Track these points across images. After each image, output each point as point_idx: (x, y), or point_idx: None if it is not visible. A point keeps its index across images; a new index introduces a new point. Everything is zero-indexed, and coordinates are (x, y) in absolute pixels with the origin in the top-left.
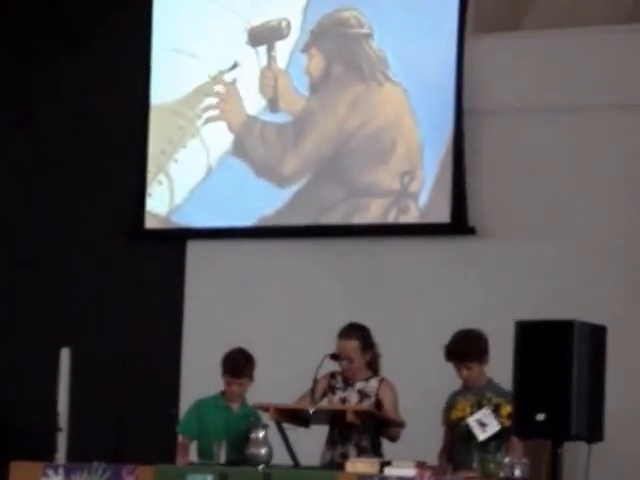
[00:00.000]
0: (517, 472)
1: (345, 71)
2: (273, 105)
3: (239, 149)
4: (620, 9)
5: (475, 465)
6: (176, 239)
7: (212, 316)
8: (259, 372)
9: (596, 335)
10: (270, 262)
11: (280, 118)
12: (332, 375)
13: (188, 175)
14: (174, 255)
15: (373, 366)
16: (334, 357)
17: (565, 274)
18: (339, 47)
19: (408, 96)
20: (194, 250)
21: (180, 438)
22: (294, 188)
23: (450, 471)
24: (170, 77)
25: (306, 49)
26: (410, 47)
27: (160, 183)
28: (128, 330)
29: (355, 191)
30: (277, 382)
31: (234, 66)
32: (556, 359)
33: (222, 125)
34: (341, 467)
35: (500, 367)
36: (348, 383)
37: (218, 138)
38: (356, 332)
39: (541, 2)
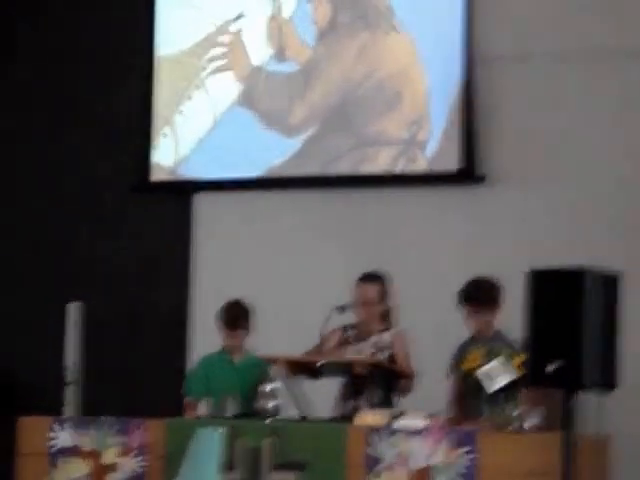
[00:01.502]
0: (527, 423)
1: (352, 20)
2: (280, 55)
3: (246, 99)
4: None
5: (486, 416)
6: (183, 191)
7: (219, 269)
8: (267, 325)
9: (609, 283)
10: (278, 213)
11: (287, 68)
12: (344, 328)
13: (194, 127)
14: (181, 207)
15: (386, 319)
16: (341, 309)
17: (578, 223)
18: None
19: (415, 45)
20: (201, 202)
21: (188, 399)
22: (302, 138)
23: (462, 421)
24: (175, 28)
25: None
26: None
27: (165, 135)
28: (135, 284)
29: (363, 140)
30: (285, 335)
31: (239, 16)
32: (568, 307)
33: (228, 75)
34: (351, 420)
35: (511, 316)
36: (362, 337)
37: (224, 89)
38: (378, 277)
39: None
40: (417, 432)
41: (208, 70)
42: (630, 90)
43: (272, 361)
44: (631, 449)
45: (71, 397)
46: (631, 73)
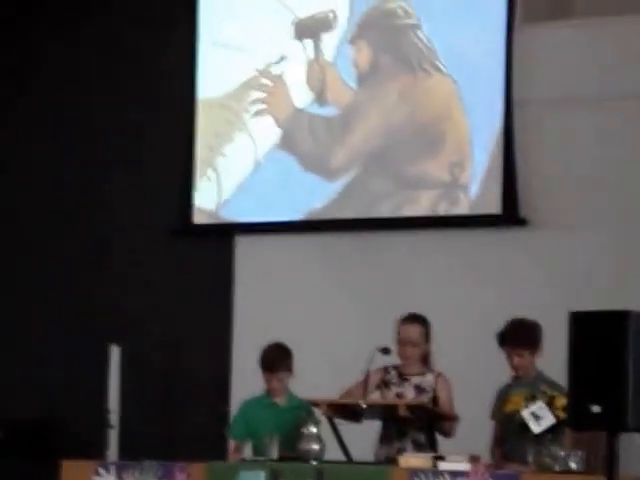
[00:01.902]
0: (572, 465)
1: (393, 62)
2: (321, 98)
3: (287, 142)
4: None
5: (530, 459)
6: (224, 234)
7: (261, 311)
8: (306, 366)
9: None
10: (319, 256)
11: (328, 111)
12: (385, 369)
13: (236, 169)
14: (222, 250)
15: (426, 361)
16: (384, 351)
17: (618, 265)
18: (386, 38)
19: (457, 87)
20: (242, 245)
21: (231, 442)
22: (343, 181)
23: (504, 465)
24: (217, 72)
25: (353, 41)
26: (458, 37)
27: (208, 178)
28: (178, 326)
29: (404, 183)
30: (325, 377)
31: (281, 59)
32: (611, 350)
33: (270, 119)
34: (395, 462)
35: (554, 359)
36: (403, 378)
37: (266, 132)
38: (420, 319)
39: None
40: (461, 474)
41: (250, 113)
42: None
43: (315, 404)
44: None
45: (113, 440)
46: None
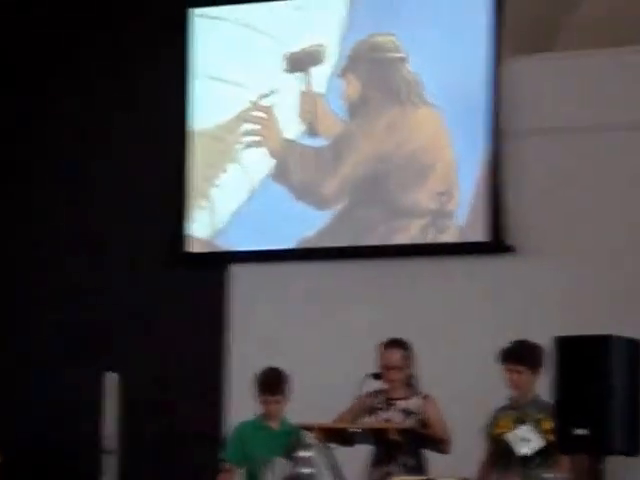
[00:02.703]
0: None
1: (382, 95)
2: (312, 129)
3: (279, 173)
4: None
5: None
6: (219, 262)
7: (255, 339)
8: (300, 392)
9: (634, 350)
10: (311, 284)
11: (318, 142)
12: (374, 394)
13: (229, 199)
14: (217, 278)
15: (411, 384)
16: (375, 376)
17: (603, 291)
18: (375, 71)
19: (443, 117)
20: (237, 273)
21: (226, 465)
22: (334, 210)
23: None
24: (210, 104)
25: (343, 74)
26: (445, 70)
27: (202, 208)
28: (172, 353)
29: (394, 212)
30: (318, 402)
31: (273, 92)
32: (595, 374)
33: (262, 150)
34: None
35: (540, 383)
36: (390, 402)
37: (258, 162)
38: (401, 343)
39: (574, 23)
40: None
41: (242, 144)
42: None
43: (307, 428)
44: None
45: (109, 466)
46: None
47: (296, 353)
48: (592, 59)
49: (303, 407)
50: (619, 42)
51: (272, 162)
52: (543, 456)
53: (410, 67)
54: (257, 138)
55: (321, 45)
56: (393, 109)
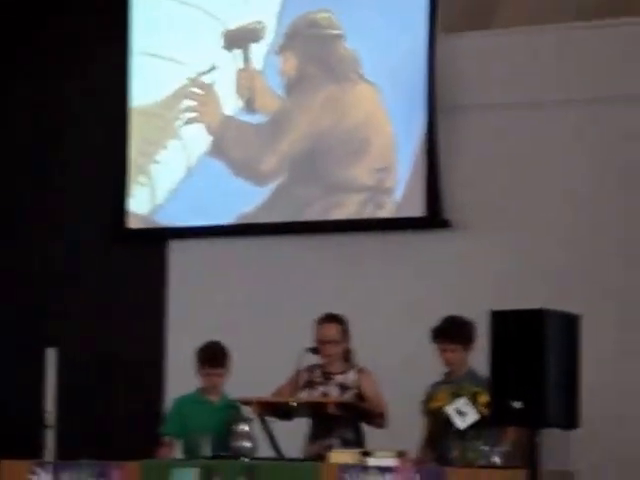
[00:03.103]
0: (495, 459)
1: (319, 71)
2: (250, 106)
3: (218, 149)
4: (587, 5)
5: (454, 453)
6: (158, 238)
7: (194, 314)
8: (240, 367)
9: (569, 323)
10: (250, 259)
11: (257, 118)
12: (310, 369)
13: (169, 175)
14: (156, 254)
15: (348, 359)
16: (313, 350)
17: (539, 266)
18: (312, 48)
19: (381, 94)
20: (176, 249)
21: (165, 439)
22: (272, 186)
23: (431, 460)
24: (149, 80)
25: (280, 51)
26: (382, 47)
27: (142, 184)
28: (112, 329)
29: (332, 188)
30: (257, 377)
31: (211, 69)
32: (530, 347)
33: (201, 126)
34: (324, 459)
35: (476, 357)
36: (327, 377)
37: (197, 139)
38: (336, 318)
39: (509, 0)
40: (388, 469)
41: (182, 121)
42: (586, 139)
43: (246, 402)
44: None
45: (50, 440)
46: (588, 121)
47: (235, 327)
48: (527, 36)
49: (242, 382)
50: (554, 19)
51: (210, 138)
52: (480, 429)
53: (347, 44)
54: (196, 114)
55: (259, 22)
56: (330, 86)
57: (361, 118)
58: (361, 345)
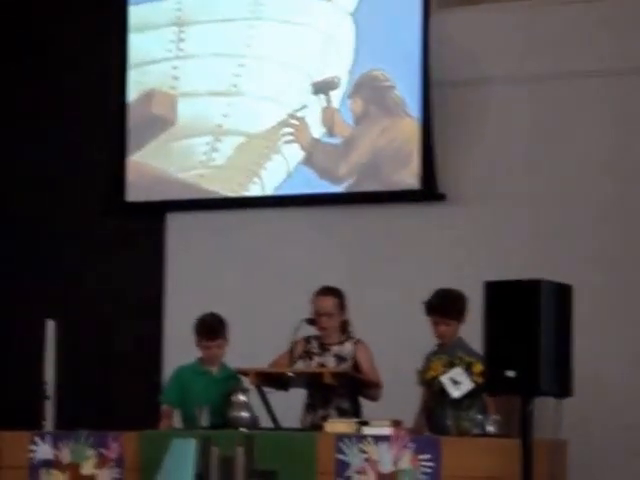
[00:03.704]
0: (489, 428)
1: (377, 110)
2: (330, 132)
3: (308, 160)
4: None
5: (449, 422)
6: (156, 211)
7: (192, 285)
8: (239, 339)
9: (562, 294)
10: (248, 232)
11: (335, 140)
12: (307, 340)
13: (275, 177)
14: (154, 227)
15: (345, 330)
16: (310, 322)
17: (532, 237)
18: (373, 94)
19: (418, 123)
20: (174, 221)
21: (164, 407)
22: (345, 185)
23: (426, 429)
24: (261, 115)
25: (351, 96)
26: (382, 29)
27: (254, 183)
28: (111, 301)
29: (386, 186)
30: (255, 348)
31: (303, 107)
32: (524, 317)
33: (297, 145)
34: (321, 428)
35: (471, 327)
36: (324, 348)
37: (294, 153)
38: (333, 290)
39: None
40: (384, 438)
41: (283, 141)
42: (580, 111)
43: (243, 373)
44: (588, 454)
45: (50, 411)
46: (583, 95)
47: (232, 300)
48: (521, 10)
49: (239, 353)
50: None
51: (303, 153)
52: (473, 398)
53: (397, 91)
54: (292, 137)
55: (336, 76)
56: (385, 119)
57: (406, 141)
58: (356, 317)
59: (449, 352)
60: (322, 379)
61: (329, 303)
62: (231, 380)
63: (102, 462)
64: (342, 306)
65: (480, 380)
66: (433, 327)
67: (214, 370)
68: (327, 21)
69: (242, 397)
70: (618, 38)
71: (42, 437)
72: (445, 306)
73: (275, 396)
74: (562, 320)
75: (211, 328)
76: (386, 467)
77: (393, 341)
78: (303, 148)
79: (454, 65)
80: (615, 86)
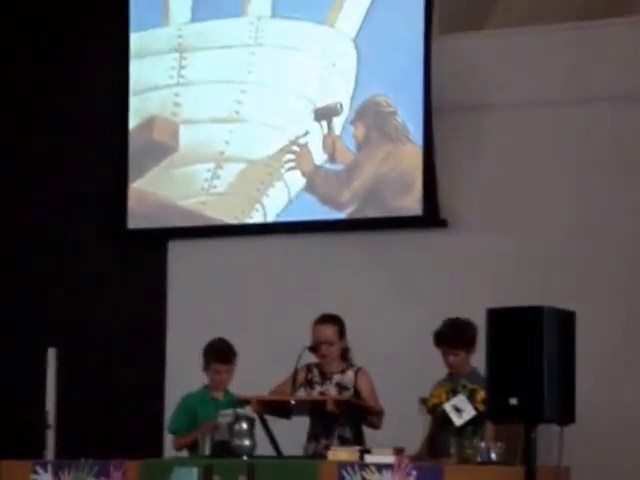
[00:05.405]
0: (493, 456)
1: (379, 136)
2: (332, 158)
3: (310, 187)
4: (582, 6)
5: (452, 450)
6: (157, 239)
7: (194, 313)
8: (240, 367)
9: (565, 320)
10: (249, 259)
11: (337, 167)
12: (309, 367)
13: (276, 204)
14: (156, 254)
15: (346, 358)
16: (311, 349)
17: (534, 264)
18: (375, 120)
19: (420, 149)
20: (175, 249)
21: (173, 438)
22: (347, 212)
23: (428, 457)
24: (262, 141)
25: (353, 122)
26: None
27: (256, 210)
28: (112, 329)
29: (387, 212)
30: (256, 375)
31: (305, 133)
32: (527, 344)
33: (298, 172)
34: (323, 457)
35: (475, 354)
36: (325, 376)
37: (296, 180)
38: (333, 318)
39: (504, 1)
40: (387, 466)
41: (285, 168)
42: (582, 139)
43: (245, 401)
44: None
45: (51, 440)
46: (583, 122)
47: (234, 328)
48: (521, 37)
49: (241, 381)
50: (550, 19)
51: (304, 180)
52: (476, 425)
53: (398, 117)
54: (294, 164)
55: (339, 102)
56: (387, 145)
57: (408, 167)
58: (358, 344)
59: (457, 380)
60: (324, 407)
61: (329, 331)
62: (236, 406)
63: None
64: (342, 334)
65: (483, 407)
66: (443, 357)
67: (220, 396)
68: (329, 47)
69: (245, 425)
70: (619, 66)
71: (44, 466)
72: (452, 336)
73: (278, 425)
74: (565, 347)
75: (224, 352)
76: None
77: (399, 369)
78: (305, 175)
79: (456, 91)
80: (617, 111)
